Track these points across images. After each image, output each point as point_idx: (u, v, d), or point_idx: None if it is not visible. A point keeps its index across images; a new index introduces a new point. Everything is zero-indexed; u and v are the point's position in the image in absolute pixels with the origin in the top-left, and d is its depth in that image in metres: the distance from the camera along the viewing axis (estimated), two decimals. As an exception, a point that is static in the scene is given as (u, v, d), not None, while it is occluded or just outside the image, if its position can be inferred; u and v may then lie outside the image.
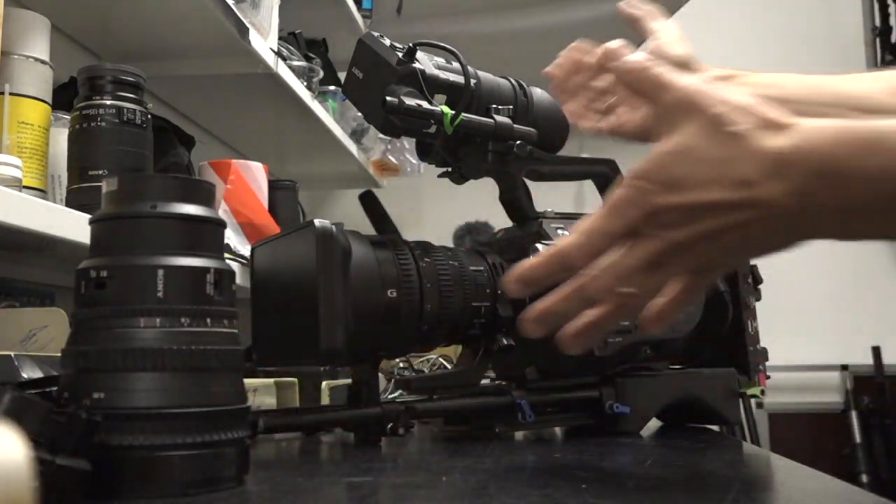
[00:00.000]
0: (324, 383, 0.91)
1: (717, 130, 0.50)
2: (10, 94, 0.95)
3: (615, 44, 0.59)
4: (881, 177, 0.47)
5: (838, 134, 0.48)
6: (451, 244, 0.87)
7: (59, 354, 0.51)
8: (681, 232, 0.50)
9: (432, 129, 0.72)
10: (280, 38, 1.61)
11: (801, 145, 0.48)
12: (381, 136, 2.03)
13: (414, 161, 2.51)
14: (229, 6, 1.32)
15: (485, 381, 0.84)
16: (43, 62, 0.99)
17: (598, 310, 0.54)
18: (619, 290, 0.52)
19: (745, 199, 0.49)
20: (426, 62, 0.74)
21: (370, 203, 0.82)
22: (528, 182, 0.80)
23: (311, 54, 1.86)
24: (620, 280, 0.52)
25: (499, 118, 0.75)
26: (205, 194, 0.52)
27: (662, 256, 0.51)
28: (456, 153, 0.79)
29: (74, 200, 0.97)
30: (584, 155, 1.11)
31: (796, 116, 0.50)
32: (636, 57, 0.55)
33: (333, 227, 0.66)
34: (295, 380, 0.92)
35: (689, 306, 0.57)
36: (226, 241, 1.07)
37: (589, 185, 0.86)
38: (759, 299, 0.88)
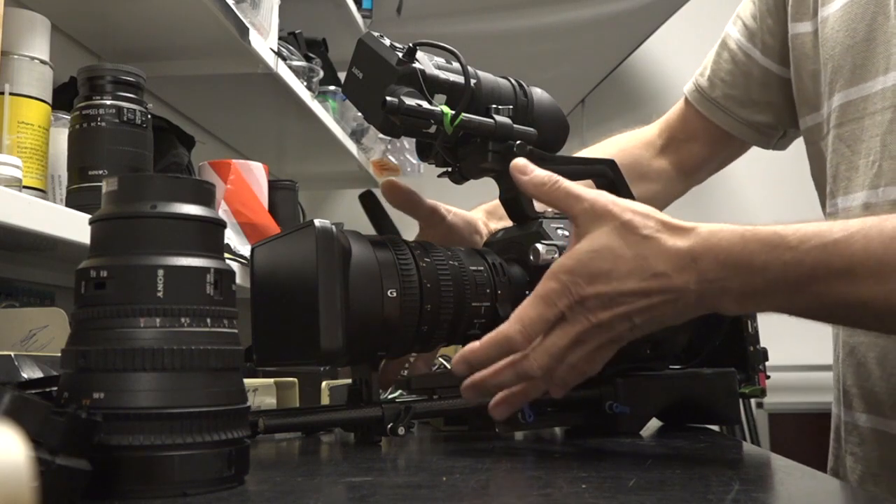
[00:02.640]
0: (324, 383, 0.91)
1: (630, 233, 0.61)
2: (10, 94, 0.95)
3: (521, 161, 0.68)
4: (781, 268, 0.58)
5: (745, 233, 0.60)
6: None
7: (59, 354, 0.51)
8: (603, 314, 0.61)
9: (432, 129, 0.72)
10: (280, 38, 1.61)
11: (704, 243, 0.60)
12: (381, 136, 2.03)
13: (414, 161, 2.51)
14: (229, 6, 1.32)
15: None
16: (43, 62, 0.99)
17: (524, 383, 0.64)
18: (550, 370, 0.62)
19: (660, 287, 0.60)
20: (426, 62, 0.74)
21: (370, 203, 0.82)
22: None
23: (311, 54, 1.86)
24: (552, 357, 0.62)
25: (499, 118, 0.75)
26: (205, 194, 0.52)
27: (584, 335, 0.62)
28: (456, 153, 0.78)
29: (74, 200, 0.97)
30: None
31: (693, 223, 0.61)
32: (541, 174, 0.66)
33: (333, 227, 0.66)
34: (295, 380, 0.92)
35: (592, 374, 0.66)
36: (226, 241, 1.07)
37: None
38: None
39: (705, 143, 1.06)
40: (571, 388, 0.66)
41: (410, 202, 0.82)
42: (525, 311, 0.62)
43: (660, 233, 0.61)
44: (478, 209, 0.92)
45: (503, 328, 0.62)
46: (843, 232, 0.59)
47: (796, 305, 0.61)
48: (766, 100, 1.00)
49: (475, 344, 0.63)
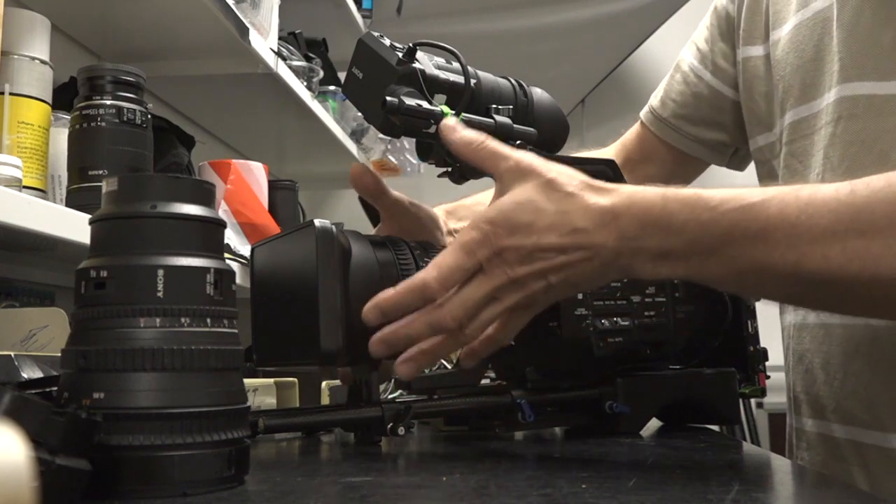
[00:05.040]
0: (324, 383, 0.91)
1: (554, 190, 0.61)
2: (10, 94, 0.95)
3: (451, 121, 0.68)
4: (699, 228, 0.59)
5: (666, 193, 0.60)
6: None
7: (59, 354, 0.51)
8: (521, 269, 0.60)
9: (432, 129, 0.72)
10: (280, 38, 1.61)
11: (627, 201, 0.60)
12: (381, 136, 2.03)
13: (414, 161, 2.51)
14: (229, 6, 1.32)
15: (485, 381, 0.84)
16: (43, 62, 0.99)
17: (433, 339, 0.63)
18: (463, 323, 0.61)
19: (579, 243, 0.60)
20: (426, 62, 0.74)
21: (370, 203, 0.82)
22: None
23: (311, 54, 1.86)
24: (467, 310, 0.61)
25: (499, 118, 0.75)
26: (205, 194, 0.52)
27: (500, 291, 0.61)
28: (456, 153, 0.78)
29: (74, 200, 0.97)
30: (585, 155, 1.11)
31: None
32: (470, 133, 0.66)
33: (333, 227, 0.66)
34: (295, 380, 0.92)
35: (504, 342, 0.65)
36: (226, 241, 1.07)
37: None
38: (759, 299, 0.89)
39: (660, 164, 1.07)
40: (482, 358, 0.66)
41: (376, 191, 0.81)
42: (443, 258, 0.61)
43: (583, 191, 0.61)
44: (438, 207, 0.92)
45: (419, 274, 0.61)
46: (761, 196, 0.59)
47: (710, 268, 0.60)
48: (716, 119, 1.02)
49: (389, 290, 0.62)
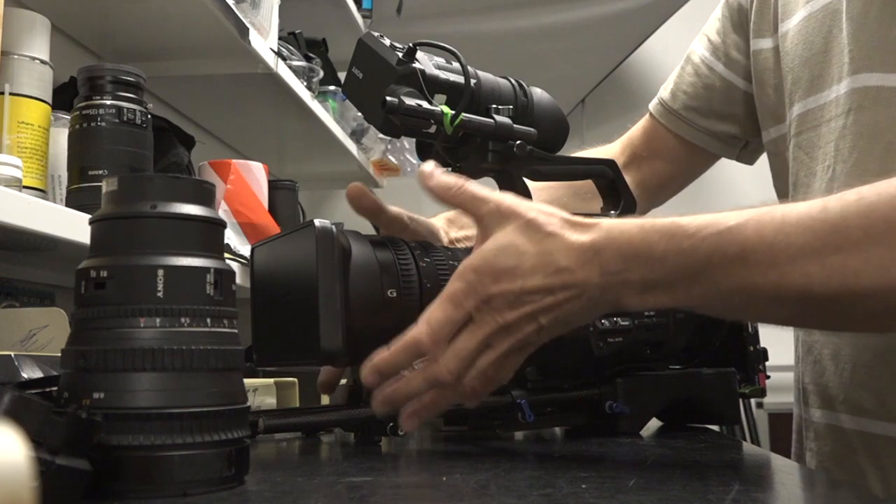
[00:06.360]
0: (324, 383, 0.91)
1: (535, 231, 0.61)
2: (10, 94, 0.95)
3: (428, 165, 0.67)
4: (680, 256, 0.59)
5: (644, 224, 0.60)
6: (450, 244, 0.87)
7: (59, 354, 0.51)
8: (510, 314, 0.60)
9: (432, 129, 0.72)
10: (280, 38, 1.61)
11: (606, 236, 0.60)
12: (381, 136, 2.03)
13: (414, 161, 2.51)
14: (229, 6, 1.32)
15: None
16: (43, 62, 0.99)
17: (435, 391, 0.62)
18: (459, 374, 0.61)
19: (564, 282, 0.60)
20: (426, 62, 0.74)
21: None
22: (528, 182, 0.80)
23: (311, 54, 1.86)
24: (461, 361, 0.61)
25: (499, 118, 0.75)
26: (205, 194, 0.52)
27: (492, 338, 0.61)
28: (456, 153, 0.78)
29: (74, 200, 0.97)
30: (585, 155, 1.11)
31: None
32: (447, 178, 0.65)
33: (333, 227, 0.66)
34: (295, 380, 0.92)
35: (503, 382, 0.64)
36: (226, 241, 1.07)
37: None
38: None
39: (668, 158, 1.07)
40: (484, 397, 0.65)
41: (374, 210, 0.81)
42: (432, 313, 0.61)
43: (563, 229, 0.61)
44: (439, 217, 0.91)
45: (411, 332, 0.61)
46: (738, 219, 0.59)
47: (695, 295, 0.60)
48: (728, 111, 1.01)
49: (384, 351, 0.62)
